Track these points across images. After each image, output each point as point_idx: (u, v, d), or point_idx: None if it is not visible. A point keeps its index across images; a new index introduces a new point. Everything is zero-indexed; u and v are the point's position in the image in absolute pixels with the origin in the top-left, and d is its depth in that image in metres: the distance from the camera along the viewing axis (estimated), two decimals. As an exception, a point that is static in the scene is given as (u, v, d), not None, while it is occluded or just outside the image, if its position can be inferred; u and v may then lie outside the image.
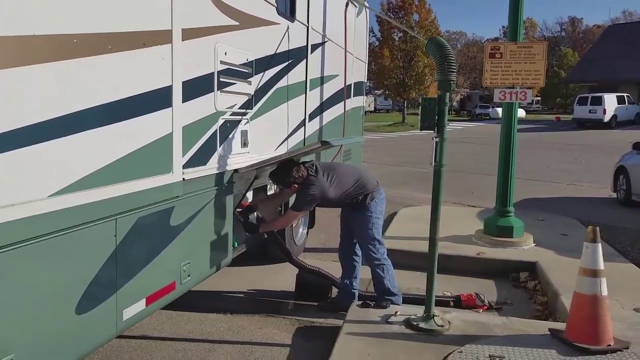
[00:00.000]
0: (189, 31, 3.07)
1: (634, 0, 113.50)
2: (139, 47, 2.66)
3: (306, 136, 5.27)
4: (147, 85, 2.73)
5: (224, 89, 3.52)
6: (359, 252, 4.26)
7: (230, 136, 3.68)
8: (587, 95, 27.75)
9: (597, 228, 3.23)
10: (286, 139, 4.77)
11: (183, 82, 3.03)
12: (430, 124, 3.30)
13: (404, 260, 5.29)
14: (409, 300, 4.28)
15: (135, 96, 2.64)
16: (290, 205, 3.93)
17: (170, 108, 2.92)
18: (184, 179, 3.08)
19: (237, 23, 3.67)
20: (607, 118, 26.03)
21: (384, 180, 11.22)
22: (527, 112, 41.05)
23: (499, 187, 5.78)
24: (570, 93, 43.93)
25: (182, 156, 3.07)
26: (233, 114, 3.70)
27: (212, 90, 3.38)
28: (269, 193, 4.80)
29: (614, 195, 9.08)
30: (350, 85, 7.00)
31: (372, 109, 52.55)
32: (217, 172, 3.51)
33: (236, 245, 4.17)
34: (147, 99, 2.73)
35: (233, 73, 3.64)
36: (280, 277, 4.91)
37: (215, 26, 3.38)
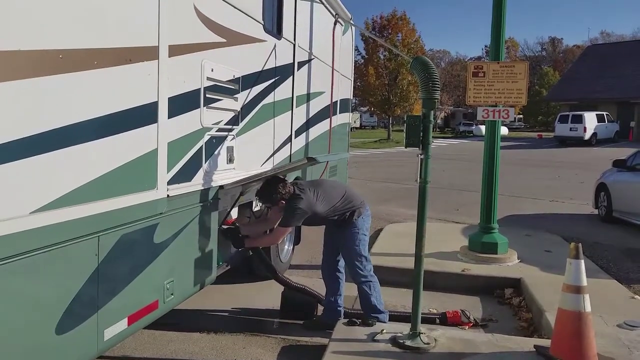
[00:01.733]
0: (175, 47, 3.07)
1: (612, 21, 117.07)
2: (125, 63, 2.65)
3: (292, 152, 5.27)
4: (133, 101, 2.71)
5: (210, 105, 3.51)
6: (343, 269, 4.25)
7: (216, 152, 3.66)
8: (568, 113, 28.34)
9: (580, 245, 3.27)
10: (272, 155, 4.76)
11: (169, 98, 3.01)
12: (415, 141, 3.33)
13: (390, 277, 5.28)
14: (395, 317, 4.27)
15: (121, 112, 2.62)
16: (278, 222, 3.91)
17: (156, 124, 2.90)
18: (168, 195, 3.05)
19: (224, 40, 3.68)
20: (587, 136, 26.58)
21: (370, 197, 11.40)
22: (510, 129, 41.71)
23: (483, 204, 5.84)
24: (552, 111, 44.83)
25: (167, 172, 3.04)
26: (219, 130, 3.69)
27: (198, 106, 3.37)
28: (254, 209, 4.77)
29: (596, 211, 9.23)
30: (336, 102, 7.05)
31: (358, 125, 52.97)
32: (203, 188, 3.48)
33: (221, 262, 4.13)
34: (132, 115, 2.71)
35: (219, 89, 3.64)
36: (265, 295, 4.86)
37: (202, 43, 3.39)
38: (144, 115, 2.80)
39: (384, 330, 3.62)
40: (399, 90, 31.95)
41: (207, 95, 3.47)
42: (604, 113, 28.65)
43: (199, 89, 3.37)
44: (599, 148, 25.20)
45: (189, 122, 3.26)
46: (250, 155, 4.31)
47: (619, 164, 8.49)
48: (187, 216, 3.32)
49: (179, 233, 3.23)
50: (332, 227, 4.15)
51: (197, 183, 3.40)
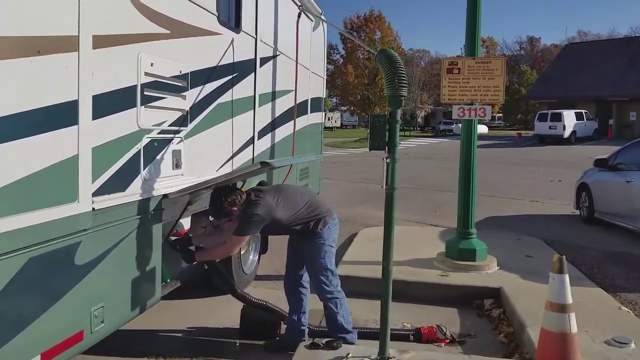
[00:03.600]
0: (102, 38, 2.65)
1: (589, 20, 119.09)
2: (32, 54, 2.22)
3: (255, 155, 4.87)
4: (43, 100, 2.29)
5: (149, 104, 3.09)
6: (307, 284, 3.87)
7: (159, 157, 3.25)
8: (547, 111, 28.43)
9: (564, 257, 2.94)
10: (231, 158, 4.36)
11: (94, 97, 2.60)
12: (380, 144, 2.96)
13: (363, 287, 4.92)
14: (366, 335, 3.92)
15: (25, 113, 2.20)
16: (233, 231, 3.50)
17: (76, 126, 2.48)
18: (94, 208, 2.63)
19: (167, 31, 3.26)
20: (566, 134, 26.66)
21: (346, 198, 11.06)
22: (490, 128, 41.84)
23: (460, 207, 5.52)
24: (531, 109, 45.11)
25: (92, 182, 2.62)
26: (162, 132, 3.27)
27: (134, 106, 2.96)
28: (212, 218, 4.36)
29: (577, 212, 9.01)
30: (307, 100, 6.67)
31: (339, 124, 52.73)
32: (141, 198, 3.06)
33: (168, 280, 3.72)
34: (41, 116, 2.28)
35: (162, 86, 3.22)
36: (225, 312, 4.44)
37: (138, 34, 2.97)
38: (58, 116, 2.38)
39: (350, 355, 3.25)
40: (378, 89, 31.78)
41: (146, 93, 3.05)
42: (583, 111, 28.81)
43: (135, 85, 2.95)
44: (578, 146, 25.29)
45: (121, 123, 2.84)
46: (203, 160, 3.90)
47: (600, 164, 8.26)
48: (120, 231, 2.90)
49: (110, 251, 2.81)
50: (295, 237, 3.77)
51: (133, 193, 2.98)
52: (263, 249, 5.59)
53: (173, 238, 3.75)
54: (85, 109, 2.53)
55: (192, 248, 3.79)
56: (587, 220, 8.49)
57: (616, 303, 4.65)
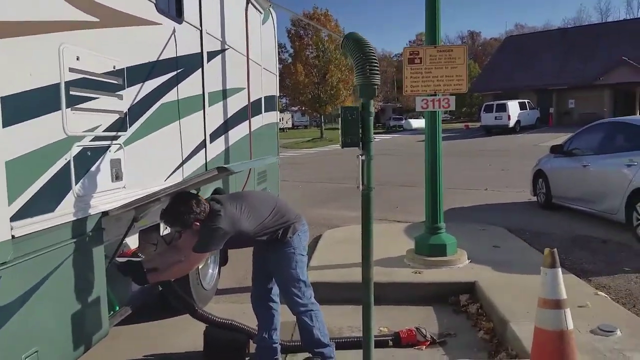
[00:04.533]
0: (8, 26, 2.17)
1: (526, 14, 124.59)
2: None
3: (208, 160, 4.42)
4: None
5: (78, 106, 2.62)
6: (277, 298, 3.49)
7: (94, 168, 2.77)
8: (492, 103, 29.20)
9: (555, 250, 2.71)
10: (180, 165, 3.90)
11: (3, 99, 2.11)
12: (353, 140, 2.62)
13: (332, 294, 4.59)
14: (342, 344, 3.61)
15: None
16: (193, 246, 3.07)
17: (-20, 135, 2.00)
18: (13, 236, 2.14)
19: (96, 19, 2.80)
20: (512, 123, 27.48)
21: (306, 200, 10.69)
22: (438, 121, 42.56)
23: (427, 202, 5.28)
24: (475, 102, 46.38)
25: (9, 204, 2.13)
26: (96, 138, 2.80)
27: (58, 108, 2.47)
28: (163, 233, 3.89)
29: (534, 199, 9.05)
30: (260, 99, 6.27)
31: (290, 125, 52.35)
32: (75, 218, 2.58)
33: (117, 308, 3.23)
34: None
35: (92, 85, 2.75)
36: (187, 334, 3.97)
37: (57, 21, 2.49)
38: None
39: (330, 375, 2.89)
40: (328, 88, 31.63)
41: (73, 93, 2.57)
42: (526, 101, 29.81)
43: (58, 84, 2.47)
44: (523, 134, 26.11)
45: (43, 130, 2.36)
46: (148, 169, 3.43)
47: (556, 150, 8.31)
48: (51, 260, 2.41)
49: (41, 284, 2.33)
50: (261, 248, 3.37)
51: (64, 213, 2.50)
52: (223, 261, 5.15)
53: (120, 260, 3.27)
54: (-9, 114, 2.04)
55: (143, 269, 3.33)
56: (545, 206, 8.54)
57: (591, 288, 4.55)
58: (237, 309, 4.56)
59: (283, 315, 3.49)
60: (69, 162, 2.54)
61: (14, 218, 2.15)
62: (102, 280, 2.86)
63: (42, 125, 2.35)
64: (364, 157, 2.65)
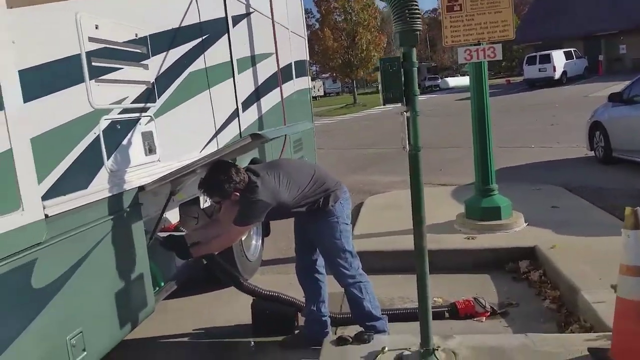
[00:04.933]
0: (21, -6, 2.01)
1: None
2: None
3: (242, 129, 4.25)
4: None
5: (101, 77, 2.47)
6: (322, 269, 3.35)
7: (125, 142, 2.65)
8: (535, 54, 27.66)
9: (638, 209, 2.39)
10: (214, 135, 3.75)
11: (21, 72, 1.97)
12: (395, 95, 2.36)
13: (378, 262, 4.43)
14: (396, 316, 3.45)
15: None
16: (233, 219, 2.93)
17: (2, 112, 1.87)
18: (47, 215, 2.04)
19: (113, -15, 2.62)
20: (557, 75, 25.99)
21: (344, 166, 10.45)
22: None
23: (476, 162, 4.96)
24: (515, 55, 44.28)
25: (39, 182, 2.02)
26: (125, 110, 2.66)
27: (81, 80, 2.33)
28: (204, 206, 3.79)
29: (591, 153, 8.47)
30: (290, 64, 6.01)
31: (322, 93, 51.76)
32: (109, 194, 2.47)
33: (162, 284, 3.16)
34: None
35: (115, 54, 2.60)
36: (234, 306, 3.90)
37: (72, -12, 2.32)
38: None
39: (386, 348, 2.73)
40: (358, 51, 30.79)
41: (95, 64, 2.42)
42: (572, 49, 28.09)
43: (78, 55, 2.32)
44: (570, 86, 24.70)
45: (66, 103, 2.23)
46: (182, 140, 3.30)
47: (615, 98, 7.64)
48: (89, 238, 2.32)
49: (80, 264, 2.24)
50: (302, 219, 3.21)
51: (98, 189, 2.39)
52: (265, 232, 5.05)
53: (162, 234, 3.18)
54: (10, 89, 1.91)
55: (186, 243, 3.25)
56: (604, 161, 7.93)
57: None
58: (282, 280, 4.47)
59: (330, 285, 3.35)
60: (98, 136, 2.41)
61: (46, 196, 2.05)
62: (144, 256, 2.77)
63: (66, 98, 2.22)
64: (408, 114, 2.40)
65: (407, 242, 4.63)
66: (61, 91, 2.19)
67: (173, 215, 3.45)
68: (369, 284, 3.22)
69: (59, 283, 2.12)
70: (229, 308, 3.94)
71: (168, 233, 3.25)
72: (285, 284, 4.31)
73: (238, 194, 2.88)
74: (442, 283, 4.04)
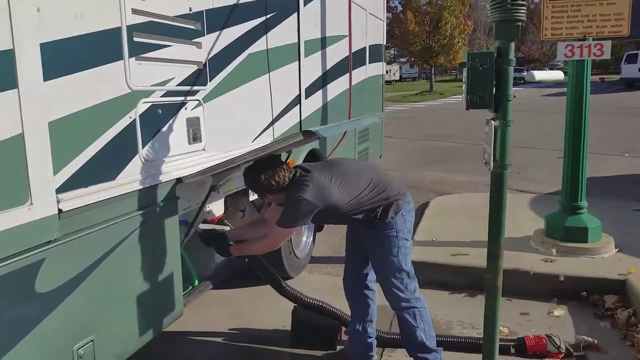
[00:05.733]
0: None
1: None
2: None
3: (303, 118, 3.92)
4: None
5: (144, 55, 2.20)
6: (374, 285, 2.98)
7: (166, 128, 2.38)
8: (636, 52, 25.12)
9: None
10: (270, 124, 3.43)
11: (44, 45, 1.72)
12: (483, 99, 1.91)
13: (437, 276, 4.02)
14: (452, 345, 3.03)
15: None
16: (277, 220, 2.63)
17: (15, 90, 1.63)
18: (60, 210, 1.80)
19: (166, -50, 2.32)
20: (661, 77, 23.52)
21: (411, 160, 9.89)
22: (566, 73, 38.29)
23: (565, 174, 4.32)
24: (613, 50, 40.69)
25: (54, 173, 1.79)
26: (168, 93, 2.39)
27: (119, 58, 2.07)
28: (252, 199, 3.52)
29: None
30: (364, 48, 5.58)
31: (398, 77, 50.46)
32: (141, 187, 2.22)
33: (196, 283, 2.93)
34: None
35: (163, 30, 2.32)
36: (274, 307, 3.63)
37: (116, -50, 2.04)
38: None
39: (436, 393, 2.33)
40: (441, 37, 29.46)
41: (137, 40, 2.15)
42: (680, 50, 25.28)
43: (118, 29, 2.05)
44: (674, 89, 22.26)
45: (97, 84, 1.97)
46: (232, 129, 3.00)
47: None
48: (111, 236, 2.08)
49: (97, 265, 2.00)
50: (357, 228, 2.83)
51: (127, 181, 2.14)
52: (318, 227, 4.73)
53: (203, 227, 2.94)
54: (28, 64, 1.67)
55: (227, 240, 2.99)
56: None
57: None
58: (331, 282, 4.16)
59: (381, 297, 2.96)
60: (133, 121, 2.16)
61: (61, 189, 1.81)
62: (176, 255, 2.52)
63: (98, 78, 1.96)
64: (497, 123, 1.93)
65: (474, 258, 4.18)
66: (92, 69, 1.93)
67: (218, 208, 3.20)
68: (425, 310, 2.81)
69: (69, 286, 1.89)
70: (269, 309, 3.67)
71: (210, 226, 3.00)
72: (333, 287, 3.96)
73: (283, 193, 2.56)
74: (509, 309, 3.54)
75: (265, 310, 3.69)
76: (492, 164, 1.98)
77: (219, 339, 3.40)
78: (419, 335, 2.75)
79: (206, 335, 3.42)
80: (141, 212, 2.23)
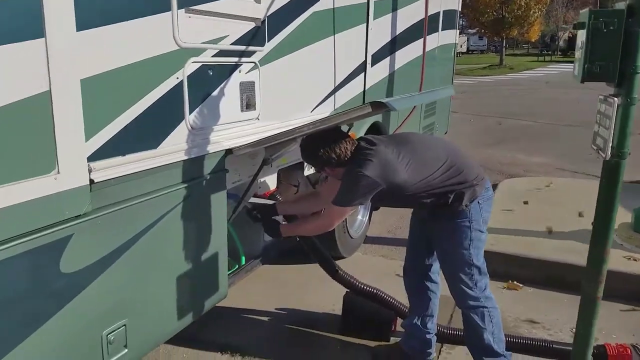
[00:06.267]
0: None
1: None
2: None
3: (367, 87, 3.57)
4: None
5: (195, 8, 1.93)
6: (437, 277, 2.66)
7: (217, 92, 2.13)
8: None
9: None
10: (332, 93, 3.11)
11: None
12: (606, 69, 1.51)
13: (502, 267, 3.61)
14: (518, 347, 2.68)
15: None
16: (333, 198, 2.35)
17: (42, 40, 1.40)
18: (92, 181, 1.60)
19: None
20: None
21: (478, 137, 9.26)
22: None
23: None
24: None
25: (87, 138, 1.57)
26: (221, 53, 2.12)
27: (166, 9, 1.81)
28: (307, 173, 3.25)
29: None
30: (438, 13, 5.08)
31: (465, 49, 48.21)
32: (186, 157, 1.99)
33: (244, 261, 2.72)
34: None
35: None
36: (325, 289, 3.37)
37: None
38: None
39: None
40: (515, 7, 27.57)
41: (186, -13, 1.88)
42: None
43: (162, -27, 1.79)
44: None
45: (140, 37, 1.72)
46: (291, 95, 2.71)
47: None
48: (150, 211, 1.87)
49: (133, 242, 1.80)
50: (423, 213, 2.50)
51: (171, 150, 1.91)
52: (375, 206, 4.42)
53: (253, 201, 2.71)
54: (58, 11, 1.43)
55: (279, 217, 2.75)
56: None
57: None
58: (385, 265, 3.90)
59: (442, 286, 2.65)
60: (181, 82, 1.91)
61: (94, 157, 1.60)
62: (222, 233, 2.31)
63: (140, 31, 1.71)
64: (619, 101, 1.53)
65: (548, 250, 3.75)
66: (134, 20, 1.68)
67: (270, 182, 2.95)
68: (495, 310, 2.47)
69: (100, 265, 1.70)
70: (319, 290, 3.42)
71: (261, 201, 2.76)
72: (387, 269, 3.73)
73: (342, 168, 2.27)
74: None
75: (315, 291, 3.46)
76: (608, 151, 1.58)
77: (262, 319, 3.21)
78: (487, 338, 2.42)
79: (248, 313, 3.23)
80: (185, 185, 2.01)
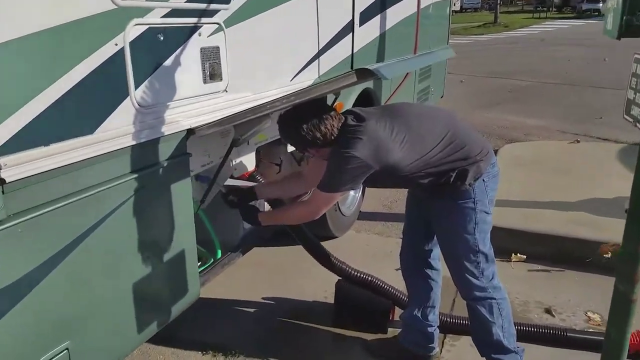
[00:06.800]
0: None
1: None
2: None
3: (356, 50, 3.18)
4: None
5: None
6: (438, 263, 2.38)
7: (170, 62, 1.76)
8: None
9: None
10: (315, 58, 2.73)
11: None
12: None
13: (507, 243, 3.34)
14: (530, 336, 2.45)
15: None
16: (318, 183, 2.02)
17: None
18: (3, 180, 1.26)
19: None
20: None
21: (473, 99, 8.85)
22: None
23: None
24: None
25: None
26: (173, 13, 1.74)
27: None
28: (290, 149, 2.92)
29: None
30: (431, -34, 4.63)
31: (458, 8, 47.08)
32: (134, 142, 1.64)
33: (220, 254, 2.41)
34: None
35: None
36: (316, 273, 3.05)
37: None
38: None
39: None
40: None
41: None
42: None
43: None
44: None
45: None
46: (265, 62, 2.34)
47: None
48: (85, 211, 1.53)
49: (70, 250, 1.47)
50: (421, 193, 2.19)
51: (112, 135, 1.56)
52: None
53: (229, 184, 2.38)
54: None
55: (261, 202, 2.44)
56: None
57: None
58: (381, 243, 3.66)
59: (444, 269, 2.36)
60: (121, 50, 1.54)
61: (3, 150, 1.25)
62: (188, 227, 1.98)
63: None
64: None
65: (556, 222, 3.47)
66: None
67: (248, 161, 2.61)
68: (505, 302, 2.20)
69: (26, 283, 1.37)
70: (310, 274, 3.12)
71: (237, 183, 2.43)
72: (383, 248, 3.50)
73: (327, 148, 1.95)
74: (599, 292, 2.87)
75: (306, 275, 3.17)
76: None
77: (246, 310, 2.93)
78: (495, 332, 2.16)
79: (231, 305, 2.95)
80: (135, 175, 1.67)
